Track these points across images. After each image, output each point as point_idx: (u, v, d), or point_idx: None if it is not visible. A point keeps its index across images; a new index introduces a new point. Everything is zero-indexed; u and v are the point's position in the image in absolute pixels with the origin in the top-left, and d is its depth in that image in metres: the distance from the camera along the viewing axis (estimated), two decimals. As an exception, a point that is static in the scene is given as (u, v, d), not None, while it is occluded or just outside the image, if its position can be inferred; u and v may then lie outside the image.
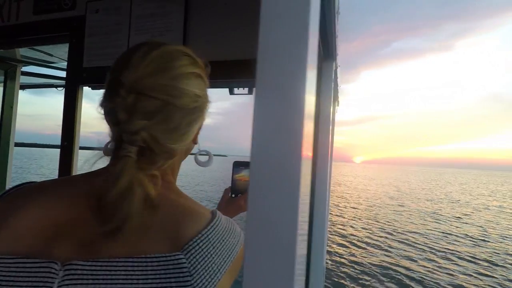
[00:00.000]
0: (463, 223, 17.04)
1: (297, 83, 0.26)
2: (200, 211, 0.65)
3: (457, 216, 18.97)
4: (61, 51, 2.53)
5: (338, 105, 4.21)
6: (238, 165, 1.39)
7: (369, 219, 16.23)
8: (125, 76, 0.62)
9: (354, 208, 19.97)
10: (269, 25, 0.26)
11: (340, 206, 20.01)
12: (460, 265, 9.84)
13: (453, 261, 10.26)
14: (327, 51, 1.44)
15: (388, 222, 15.95)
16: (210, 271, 0.57)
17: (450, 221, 17.37)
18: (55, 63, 2.88)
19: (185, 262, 0.56)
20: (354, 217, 16.72)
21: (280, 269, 0.25)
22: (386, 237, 12.88)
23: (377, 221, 15.80)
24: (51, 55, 2.64)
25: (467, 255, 11.02)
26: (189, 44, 1.64)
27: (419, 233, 13.99)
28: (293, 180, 0.26)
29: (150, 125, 0.62)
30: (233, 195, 1.32)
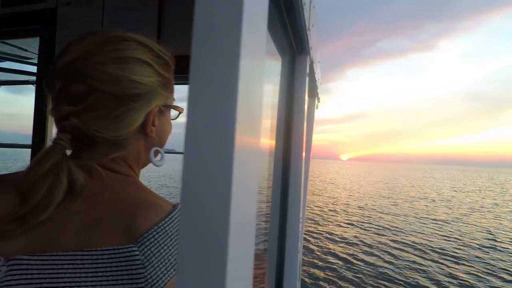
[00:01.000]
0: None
1: (228, 77, 0.26)
2: (159, 203, 0.62)
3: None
4: (35, 46, 2.47)
5: (318, 101, 4.24)
6: None
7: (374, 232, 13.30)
8: (57, 62, 0.61)
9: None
10: (203, 21, 0.27)
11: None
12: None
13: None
14: (300, 46, 1.43)
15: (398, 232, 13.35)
16: (166, 263, 0.55)
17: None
18: (31, 58, 2.82)
19: (138, 255, 0.54)
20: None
21: (210, 265, 0.25)
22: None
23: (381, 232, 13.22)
24: (26, 50, 2.58)
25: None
26: (163, 38, 1.63)
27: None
28: (223, 177, 0.25)
29: (79, 111, 0.60)
30: None
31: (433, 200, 24.02)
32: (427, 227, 14.26)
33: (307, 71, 1.62)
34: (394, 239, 11.95)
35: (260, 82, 0.30)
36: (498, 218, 17.44)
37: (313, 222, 14.35)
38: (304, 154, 1.53)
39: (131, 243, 0.55)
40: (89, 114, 0.60)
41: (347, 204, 20.40)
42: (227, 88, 0.26)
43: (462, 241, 12.12)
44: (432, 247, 11.05)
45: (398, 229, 13.66)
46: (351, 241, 11.44)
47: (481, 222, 16.06)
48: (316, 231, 12.64)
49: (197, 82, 0.26)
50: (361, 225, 14.32)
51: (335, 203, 19.79)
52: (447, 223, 15.52)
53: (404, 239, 11.99)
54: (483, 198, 27.52)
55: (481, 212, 19.30)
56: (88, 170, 0.61)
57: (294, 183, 1.46)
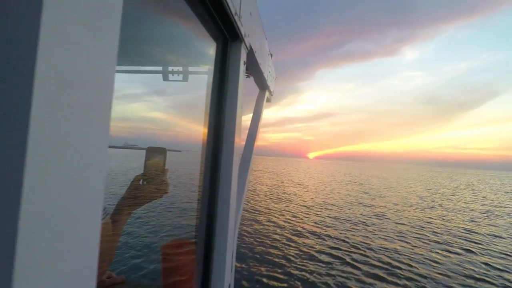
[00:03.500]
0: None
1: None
2: None
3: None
4: None
5: (271, 95, 4.20)
6: (151, 151, 1.35)
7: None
8: None
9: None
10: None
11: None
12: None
13: None
14: (231, 32, 1.37)
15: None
16: None
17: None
18: None
19: None
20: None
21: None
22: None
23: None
24: None
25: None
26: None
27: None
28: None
29: None
30: (144, 182, 1.28)
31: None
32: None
33: (244, 59, 1.57)
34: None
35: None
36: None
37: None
38: (235, 147, 1.48)
39: None
40: None
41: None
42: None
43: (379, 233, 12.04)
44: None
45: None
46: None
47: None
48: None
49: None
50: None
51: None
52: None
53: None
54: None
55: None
56: None
57: (224, 185, 1.40)
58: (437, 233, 12.63)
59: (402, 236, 11.66)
